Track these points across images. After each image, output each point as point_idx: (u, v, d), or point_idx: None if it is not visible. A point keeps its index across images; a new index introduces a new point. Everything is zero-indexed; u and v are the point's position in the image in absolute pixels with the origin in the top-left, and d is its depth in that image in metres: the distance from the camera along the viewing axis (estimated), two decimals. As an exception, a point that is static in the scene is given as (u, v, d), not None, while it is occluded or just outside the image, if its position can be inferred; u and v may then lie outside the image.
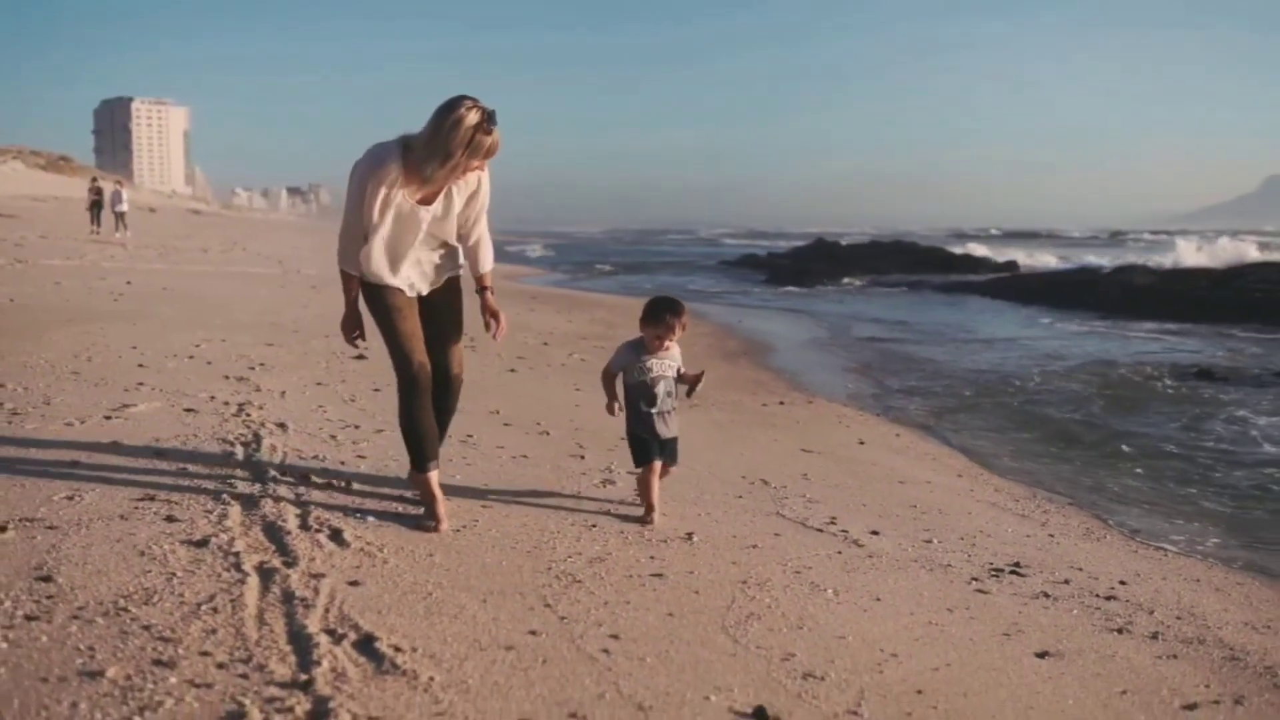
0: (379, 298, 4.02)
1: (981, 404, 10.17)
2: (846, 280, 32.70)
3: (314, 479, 4.46)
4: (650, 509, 4.45)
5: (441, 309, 4.17)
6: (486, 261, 4.23)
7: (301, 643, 2.78)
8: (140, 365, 7.02)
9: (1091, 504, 6.37)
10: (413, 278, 4.07)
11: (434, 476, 4.10)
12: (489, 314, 4.19)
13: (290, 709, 2.40)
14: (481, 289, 4.23)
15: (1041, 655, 3.47)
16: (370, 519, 3.99)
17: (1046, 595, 4.19)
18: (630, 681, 2.79)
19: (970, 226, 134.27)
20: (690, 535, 4.29)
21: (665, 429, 4.44)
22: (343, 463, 4.84)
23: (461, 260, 4.21)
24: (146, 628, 2.77)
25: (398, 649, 2.80)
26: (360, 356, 8.39)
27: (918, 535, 4.90)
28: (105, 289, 12.48)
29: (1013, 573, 4.44)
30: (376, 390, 6.94)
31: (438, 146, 3.69)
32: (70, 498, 3.88)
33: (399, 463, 4.91)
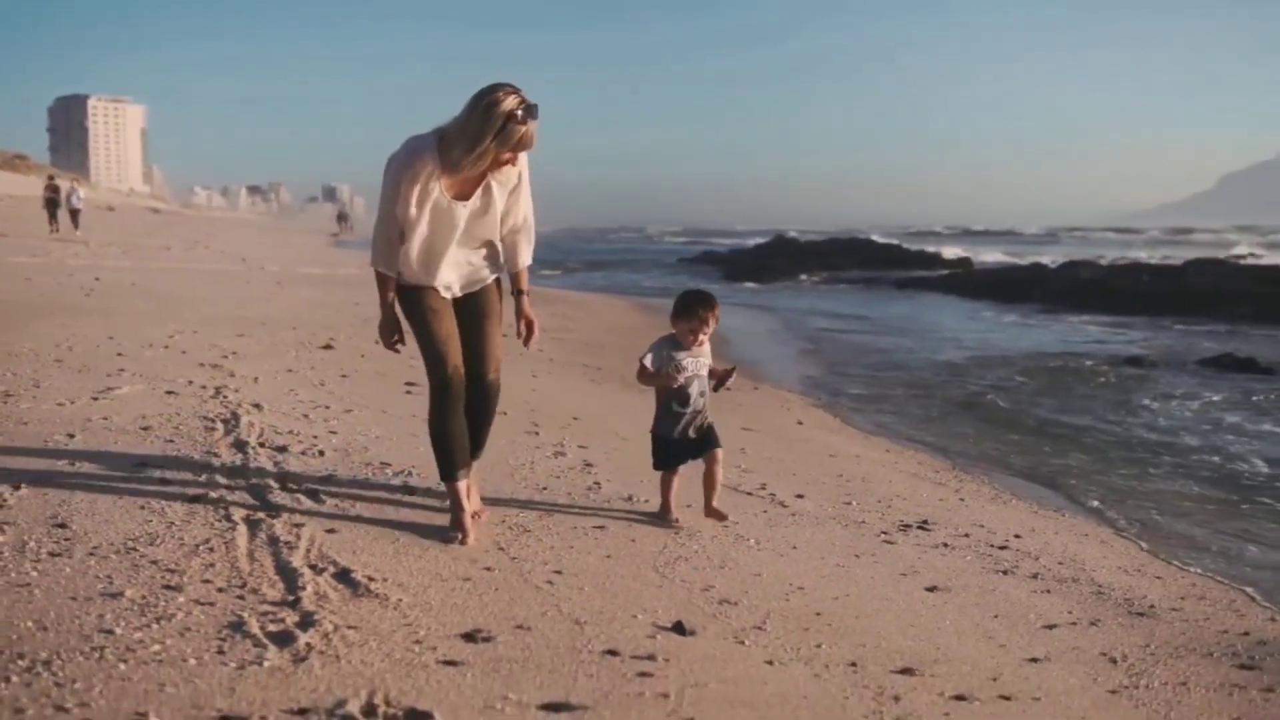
0: (415, 299, 3.88)
1: (919, 389, 10.76)
2: (803, 276, 33.39)
3: (290, 449, 4.92)
4: (667, 508, 4.43)
5: (481, 311, 4.01)
6: (526, 255, 4.05)
7: (288, 574, 3.26)
8: (119, 354, 7.42)
9: (1005, 474, 6.94)
10: (450, 279, 3.92)
11: (463, 486, 3.95)
12: (523, 320, 4.08)
13: (282, 620, 2.87)
14: (518, 292, 4.08)
15: (931, 589, 4.00)
16: (342, 480, 4.46)
17: (946, 545, 4.73)
18: (570, 604, 3.29)
19: (927, 225, 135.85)
20: (630, 497, 4.78)
21: (697, 428, 4.37)
22: (315, 437, 5.28)
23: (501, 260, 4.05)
24: (154, 562, 3.24)
25: (371, 579, 3.28)
26: (327, 347, 8.85)
27: (839, 498, 5.42)
28: (75, 285, 12.81)
29: (919, 528, 4.98)
30: (344, 376, 7.39)
31: (466, 131, 3.57)
32: (71, 464, 4.33)
33: (366, 436, 5.39)
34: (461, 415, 3.95)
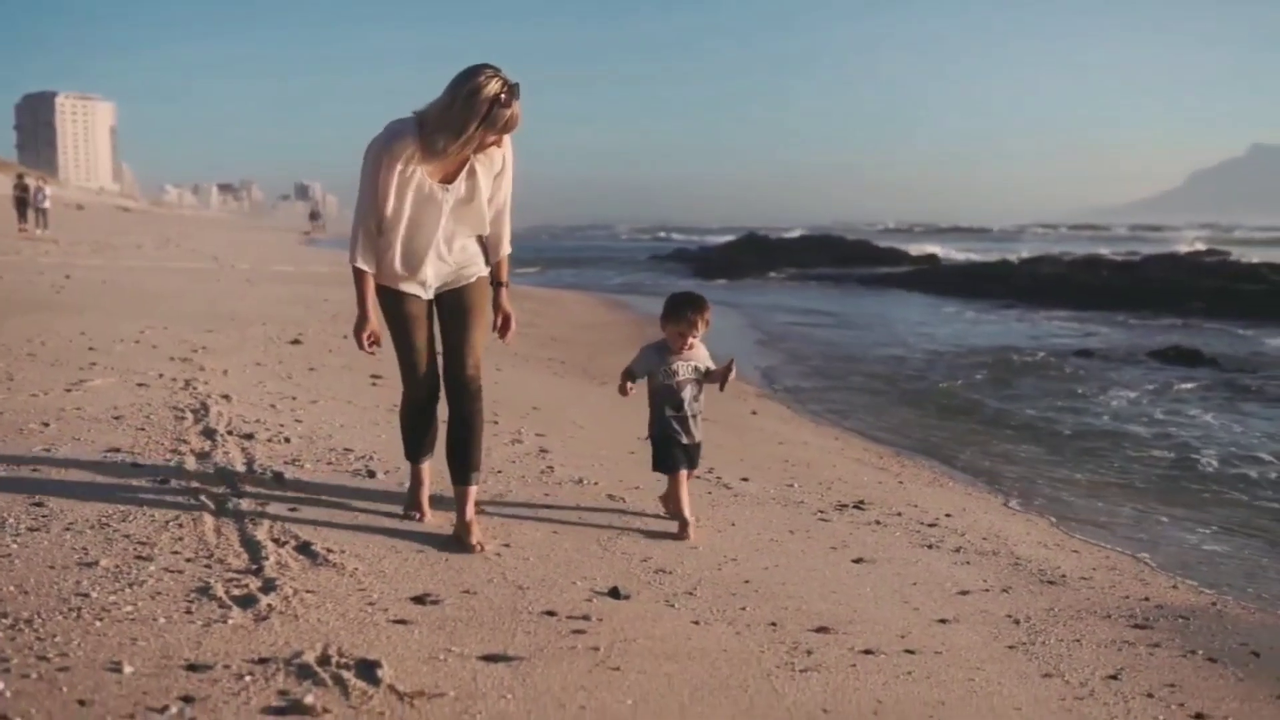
0: (395, 304, 3.82)
1: (874, 381, 11.11)
2: (773, 274, 33.76)
3: (257, 437, 5.15)
4: (684, 523, 4.25)
5: (465, 307, 3.88)
6: (505, 244, 3.96)
7: (252, 547, 3.51)
8: (90, 349, 7.61)
9: (945, 461, 7.26)
10: (431, 276, 3.81)
11: (425, 467, 4.09)
12: (500, 314, 3.99)
13: (246, 585, 3.13)
14: (496, 284, 3.98)
15: (857, 561, 4.29)
16: (306, 465, 4.71)
17: (878, 523, 5.02)
18: (514, 572, 3.57)
19: (901, 223, 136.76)
20: (581, 480, 5.05)
21: (690, 434, 4.30)
22: (282, 425, 5.51)
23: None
24: (127, 536, 3.49)
25: (330, 550, 3.54)
26: (296, 342, 9.06)
27: (782, 481, 5.71)
28: (46, 282, 12.94)
29: (855, 508, 5.27)
30: (311, 370, 7.61)
31: (451, 118, 3.48)
32: (47, 449, 4.57)
33: (331, 425, 5.64)
34: (431, 416, 4.04)
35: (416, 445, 4.09)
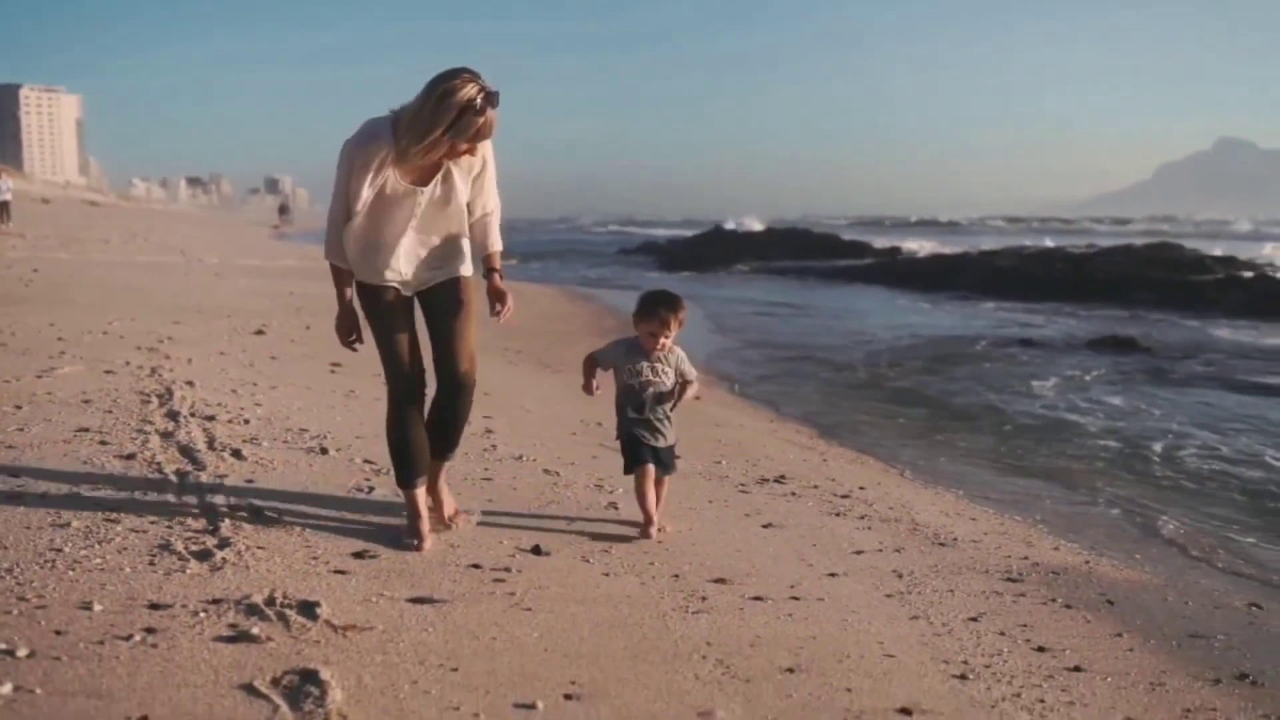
0: (372, 299, 3.76)
1: (819, 368, 11.58)
2: (738, 266, 34.23)
3: (218, 418, 5.53)
4: (649, 520, 4.21)
5: (450, 305, 3.82)
6: (495, 239, 3.88)
7: (210, 512, 3.91)
8: (60, 339, 7.94)
9: (870, 441, 7.72)
10: (408, 272, 3.75)
11: (419, 493, 3.86)
12: (495, 296, 3.84)
13: (203, 543, 3.53)
14: (490, 270, 3.89)
15: (766, 526, 4.73)
16: (264, 443, 5.09)
17: (794, 495, 5.46)
18: (448, 533, 3.97)
19: (867, 216, 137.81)
20: (521, 456, 5.47)
21: (652, 438, 4.23)
22: (242, 408, 5.89)
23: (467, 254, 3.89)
24: (96, 502, 3.88)
25: (280, 514, 3.94)
26: (259, 332, 9.41)
27: (711, 459, 6.15)
28: (14, 276, 13.21)
29: (775, 481, 5.71)
30: (273, 358, 7.98)
31: (420, 120, 3.41)
32: (20, 430, 4.93)
33: (289, 408, 6.01)
34: (420, 422, 3.87)
35: (407, 465, 3.86)
